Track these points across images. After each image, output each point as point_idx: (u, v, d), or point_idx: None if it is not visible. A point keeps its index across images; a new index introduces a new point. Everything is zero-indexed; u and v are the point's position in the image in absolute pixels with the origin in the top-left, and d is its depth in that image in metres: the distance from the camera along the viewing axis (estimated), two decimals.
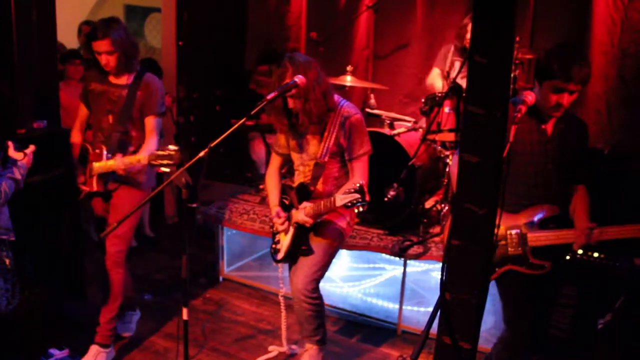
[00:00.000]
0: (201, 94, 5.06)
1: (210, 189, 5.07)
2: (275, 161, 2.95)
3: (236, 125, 2.37)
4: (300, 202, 2.69)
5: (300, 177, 2.80)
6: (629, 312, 2.80)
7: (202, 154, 2.29)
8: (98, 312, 3.30)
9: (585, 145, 2.51)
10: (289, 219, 2.76)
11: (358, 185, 2.30)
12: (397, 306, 3.49)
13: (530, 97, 2.31)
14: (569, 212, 2.47)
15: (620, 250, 2.86)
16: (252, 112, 2.44)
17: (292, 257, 2.79)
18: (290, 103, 2.60)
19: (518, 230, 2.40)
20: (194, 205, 4.68)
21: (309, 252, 2.71)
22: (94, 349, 3.00)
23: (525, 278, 2.40)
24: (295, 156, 2.81)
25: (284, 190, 2.87)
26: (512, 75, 1.77)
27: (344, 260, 4.21)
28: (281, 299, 3.10)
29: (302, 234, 2.70)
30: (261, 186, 4.50)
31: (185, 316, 2.41)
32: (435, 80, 4.13)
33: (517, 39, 3.51)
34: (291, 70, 2.54)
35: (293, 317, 3.52)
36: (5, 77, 3.13)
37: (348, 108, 2.67)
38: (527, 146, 2.38)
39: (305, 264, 2.71)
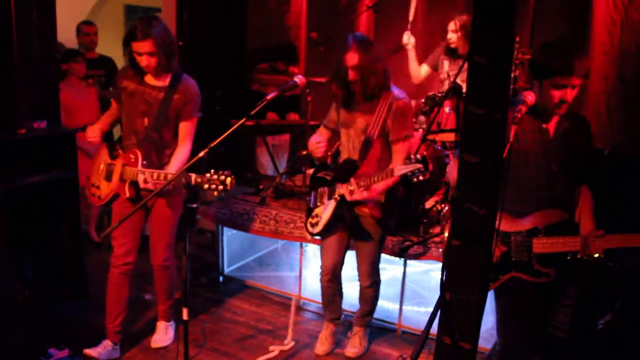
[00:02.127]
0: (201, 94, 5.06)
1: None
2: (321, 133, 3.06)
3: (236, 126, 2.37)
4: (345, 177, 2.81)
5: (345, 153, 2.93)
6: (629, 312, 2.79)
7: (202, 154, 2.30)
8: (98, 312, 3.30)
9: (590, 143, 2.43)
10: (331, 193, 2.88)
11: (420, 156, 2.43)
12: (397, 306, 3.48)
13: (530, 97, 2.29)
14: (575, 217, 2.38)
15: (621, 250, 2.86)
16: (252, 112, 2.45)
17: (328, 230, 2.93)
18: (351, 75, 2.75)
19: (523, 236, 2.32)
20: (194, 205, 4.67)
21: (351, 222, 2.87)
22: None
23: (528, 285, 2.32)
24: (343, 132, 2.95)
25: (325, 166, 3.01)
26: (512, 75, 1.76)
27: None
28: (293, 302, 3.38)
29: (344, 206, 2.83)
30: (261, 186, 4.50)
31: (185, 316, 2.41)
32: (419, 71, 4.23)
33: (517, 39, 3.51)
34: (355, 45, 2.71)
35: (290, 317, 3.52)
36: (5, 77, 3.13)
37: (398, 92, 2.85)
38: (528, 147, 2.31)
39: (366, 257, 2.99)
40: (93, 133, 2.93)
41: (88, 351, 2.98)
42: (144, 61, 2.73)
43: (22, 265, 3.50)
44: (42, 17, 3.32)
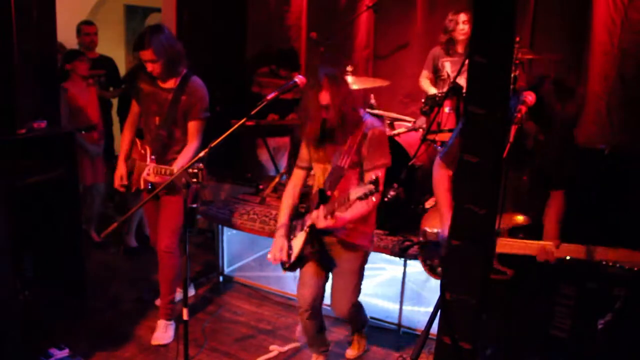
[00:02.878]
0: None
1: (210, 189, 5.07)
2: (297, 177, 2.90)
3: (236, 126, 2.37)
4: (317, 207, 2.65)
5: (319, 185, 2.77)
6: (629, 312, 2.80)
7: (202, 154, 2.30)
8: (98, 312, 3.31)
9: (566, 149, 2.46)
10: (302, 224, 2.74)
11: (374, 177, 2.29)
12: (397, 306, 3.48)
13: (530, 97, 2.30)
14: (542, 218, 2.43)
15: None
16: (252, 113, 2.45)
17: (300, 262, 2.77)
18: (324, 113, 2.61)
19: None
20: (194, 205, 4.69)
21: (319, 253, 2.71)
22: (162, 323, 3.32)
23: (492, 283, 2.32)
24: (316, 167, 2.79)
25: (302, 199, 2.86)
26: (512, 75, 1.77)
27: None
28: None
29: (314, 236, 2.68)
30: (261, 186, 4.50)
31: (185, 316, 2.41)
32: (423, 82, 4.28)
33: (517, 39, 3.51)
34: (326, 83, 2.57)
35: (293, 317, 3.53)
36: (5, 77, 3.13)
37: (372, 121, 2.71)
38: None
39: (345, 289, 2.81)
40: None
41: (154, 343, 3.25)
42: (149, 67, 3.00)
43: (22, 265, 3.50)
44: (42, 17, 3.32)
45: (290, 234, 2.80)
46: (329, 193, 2.64)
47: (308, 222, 2.68)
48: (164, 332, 3.27)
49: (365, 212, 2.60)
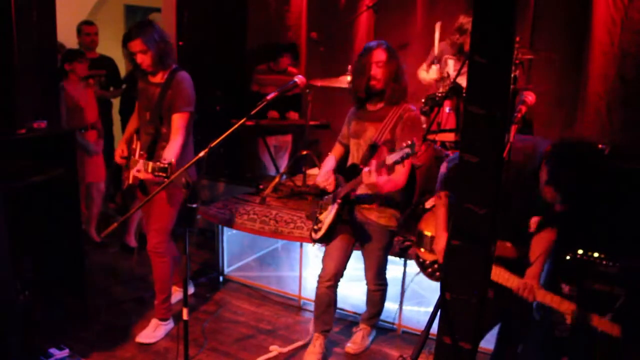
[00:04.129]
0: (201, 94, 5.07)
1: (210, 189, 5.08)
2: (335, 150, 3.16)
3: (236, 125, 2.37)
4: (349, 181, 2.85)
5: (353, 162, 2.97)
6: (629, 312, 2.79)
7: (202, 154, 2.30)
8: (98, 312, 3.30)
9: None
10: (334, 198, 2.91)
11: (410, 141, 2.42)
12: (397, 306, 3.49)
13: (530, 97, 2.29)
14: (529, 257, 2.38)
15: (621, 249, 2.86)
16: (252, 112, 2.46)
17: (329, 236, 2.95)
18: (374, 70, 2.80)
19: None
20: (194, 205, 4.68)
21: (350, 223, 2.92)
22: (153, 322, 3.30)
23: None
24: (353, 142, 3.00)
25: (325, 192, 3.02)
26: (512, 75, 1.77)
27: None
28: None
29: (345, 207, 2.88)
30: (261, 186, 4.50)
31: (185, 316, 2.41)
32: (420, 73, 4.26)
33: (517, 39, 3.51)
34: (384, 46, 2.81)
35: (293, 317, 3.53)
36: (5, 77, 3.13)
37: (410, 105, 2.90)
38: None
39: (372, 263, 3.05)
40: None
41: (138, 340, 3.22)
42: (138, 59, 3.01)
43: (22, 265, 3.50)
44: (42, 17, 3.31)
45: (320, 207, 3.02)
46: (362, 166, 2.78)
47: (341, 194, 2.85)
48: (151, 331, 3.28)
49: (400, 182, 2.81)
